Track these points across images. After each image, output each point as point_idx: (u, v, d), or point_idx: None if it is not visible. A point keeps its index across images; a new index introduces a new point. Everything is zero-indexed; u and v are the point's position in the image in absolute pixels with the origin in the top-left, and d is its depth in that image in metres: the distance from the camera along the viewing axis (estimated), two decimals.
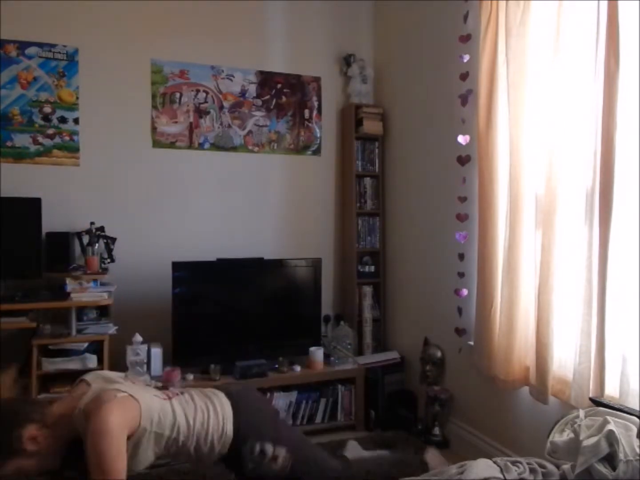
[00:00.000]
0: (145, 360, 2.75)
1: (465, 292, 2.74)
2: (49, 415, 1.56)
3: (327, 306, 3.53)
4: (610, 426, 1.57)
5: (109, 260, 2.95)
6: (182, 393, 1.75)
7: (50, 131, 3.01)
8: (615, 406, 1.76)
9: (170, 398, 1.68)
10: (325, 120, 3.66)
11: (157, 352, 2.85)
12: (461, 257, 2.77)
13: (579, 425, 1.67)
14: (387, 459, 2.34)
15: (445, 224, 2.93)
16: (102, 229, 2.92)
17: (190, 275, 2.98)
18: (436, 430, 2.86)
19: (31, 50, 2.97)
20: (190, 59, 3.29)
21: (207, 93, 3.35)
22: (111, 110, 3.13)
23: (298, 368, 3.06)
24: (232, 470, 1.82)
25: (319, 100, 3.64)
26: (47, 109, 3.01)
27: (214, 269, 3.08)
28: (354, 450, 2.61)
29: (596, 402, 1.85)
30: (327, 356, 3.18)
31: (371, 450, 2.60)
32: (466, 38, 2.71)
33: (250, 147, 3.46)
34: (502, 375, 2.36)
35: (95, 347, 2.64)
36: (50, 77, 3.01)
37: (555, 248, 2.10)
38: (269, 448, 1.74)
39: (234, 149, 3.42)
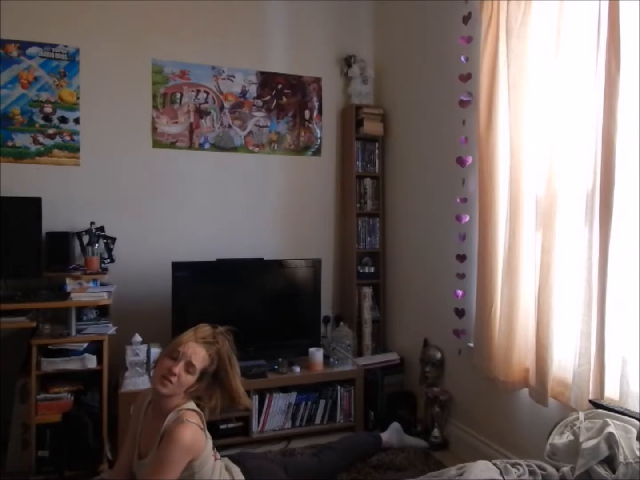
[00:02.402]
0: (144, 361, 2.75)
1: (465, 293, 2.74)
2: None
3: (326, 307, 3.53)
4: (610, 428, 1.57)
5: (108, 260, 2.95)
6: (218, 458, 1.85)
7: (51, 131, 3.01)
8: (615, 408, 1.75)
9: (216, 459, 1.80)
10: (325, 121, 3.66)
11: (156, 352, 2.83)
12: (461, 258, 2.77)
13: (579, 428, 1.67)
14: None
15: (445, 225, 2.92)
16: (102, 229, 2.93)
17: (190, 276, 2.98)
18: (435, 432, 2.86)
19: (32, 50, 2.97)
20: (191, 59, 3.30)
21: (207, 93, 3.35)
22: (112, 110, 3.13)
23: (297, 369, 3.06)
24: None
25: (320, 101, 3.64)
26: (48, 109, 3.01)
27: (214, 269, 3.08)
28: (395, 433, 2.74)
29: (596, 405, 1.85)
30: (326, 357, 3.17)
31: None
32: (467, 39, 2.71)
33: (250, 148, 3.46)
34: (502, 377, 2.36)
35: (95, 347, 2.63)
36: (51, 77, 3.01)
37: (555, 249, 2.09)
38: None
39: (234, 149, 3.42)
